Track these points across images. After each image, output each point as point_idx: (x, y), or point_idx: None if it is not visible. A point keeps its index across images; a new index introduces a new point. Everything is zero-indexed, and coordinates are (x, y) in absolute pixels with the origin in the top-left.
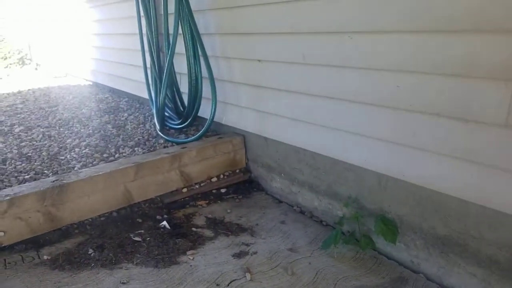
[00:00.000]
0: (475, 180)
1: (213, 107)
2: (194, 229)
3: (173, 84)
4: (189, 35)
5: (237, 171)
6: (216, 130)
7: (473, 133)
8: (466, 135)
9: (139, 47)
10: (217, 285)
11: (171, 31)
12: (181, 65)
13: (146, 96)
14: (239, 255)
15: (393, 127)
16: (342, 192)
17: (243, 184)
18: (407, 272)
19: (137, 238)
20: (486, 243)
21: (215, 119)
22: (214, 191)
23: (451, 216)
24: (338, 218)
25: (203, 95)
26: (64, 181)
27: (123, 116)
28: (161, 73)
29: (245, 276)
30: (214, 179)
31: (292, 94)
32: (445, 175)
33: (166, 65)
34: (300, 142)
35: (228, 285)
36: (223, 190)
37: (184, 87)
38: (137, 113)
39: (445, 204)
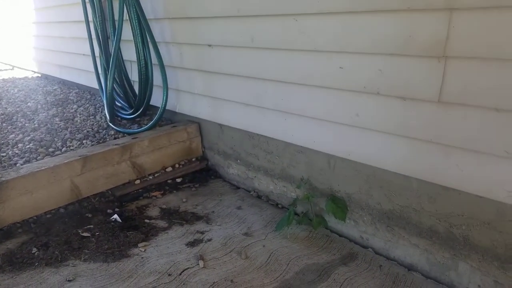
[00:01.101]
0: (414, 155)
1: (165, 95)
2: (147, 220)
3: (121, 72)
4: (136, 21)
5: (193, 159)
6: (170, 119)
7: (410, 110)
8: (404, 112)
9: (87, 35)
10: (169, 275)
11: (116, 16)
12: (130, 53)
13: (97, 86)
14: (193, 244)
15: (338, 108)
16: (295, 175)
17: (200, 173)
18: (357, 248)
19: (85, 234)
20: (427, 215)
21: (168, 108)
22: (169, 181)
23: (394, 192)
24: (292, 200)
25: (154, 83)
26: (3, 179)
27: (72, 108)
28: (108, 61)
29: (198, 264)
30: (169, 169)
31: (243, 79)
32: (387, 152)
33: (113, 52)
34: (254, 127)
35: (180, 274)
36: (178, 180)
37: (135, 76)
38: (88, 105)
39: (389, 180)
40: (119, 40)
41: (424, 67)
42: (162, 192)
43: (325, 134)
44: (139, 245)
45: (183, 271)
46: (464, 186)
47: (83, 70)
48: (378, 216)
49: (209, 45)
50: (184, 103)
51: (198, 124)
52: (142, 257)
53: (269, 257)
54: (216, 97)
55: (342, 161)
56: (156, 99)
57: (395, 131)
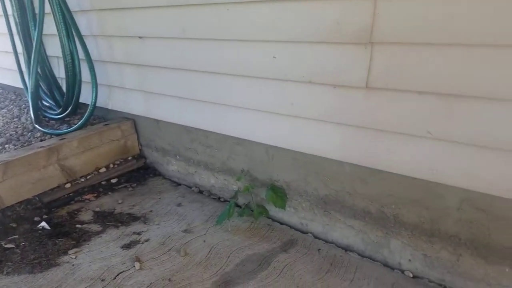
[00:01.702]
0: (346, 141)
1: (94, 91)
2: (79, 225)
3: (45, 69)
4: (60, 13)
5: (130, 158)
6: (104, 117)
7: (341, 97)
8: (336, 100)
9: (7, 30)
10: (102, 280)
11: (37, 10)
12: (55, 48)
13: (22, 86)
14: (129, 246)
15: (273, 98)
16: (236, 167)
17: (138, 172)
18: (297, 234)
19: (9, 245)
20: (360, 198)
21: (101, 105)
22: (103, 182)
23: (329, 177)
24: (234, 192)
25: (83, 79)
26: None
27: None
28: (30, 58)
29: (134, 266)
30: (103, 170)
31: (176, 72)
32: (322, 140)
33: (34, 47)
34: (191, 121)
35: (114, 278)
36: (114, 181)
37: (62, 72)
38: (12, 106)
39: (324, 167)
40: (40, 34)
41: (352, 54)
42: (95, 194)
43: (262, 124)
44: (70, 252)
45: (117, 275)
46: (393, 168)
47: (6, 69)
48: (315, 202)
49: (140, 37)
50: (117, 99)
51: (133, 120)
52: (73, 265)
53: (209, 251)
54: (150, 91)
55: (279, 150)
56: (87, 97)
57: (328, 118)
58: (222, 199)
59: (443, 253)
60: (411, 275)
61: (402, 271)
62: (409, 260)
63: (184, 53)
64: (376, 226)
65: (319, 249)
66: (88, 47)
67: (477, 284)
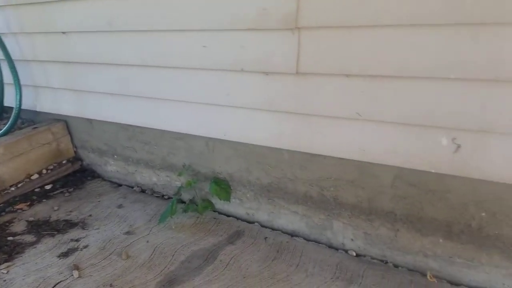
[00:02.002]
0: (282, 128)
1: (18, 93)
2: (10, 238)
3: None
4: None
5: (64, 162)
6: (33, 120)
7: (273, 84)
8: (269, 87)
9: None
10: None
11: None
12: None
13: None
14: (66, 254)
15: (208, 89)
16: (177, 162)
17: (74, 175)
18: (244, 225)
19: None
20: (300, 182)
21: (28, 107)
22: (37, 189)
23: (270, 165)
24: (177, 189)
25: (5, 81)
26: None
27: None
28: None
29: (72, 275)
30: (35, 176)
31: (105, 67)
32: (259, 128)
33: None
34: (126, 118)
35: None
36: (48, 187)
37: None
38: None
39: (264, 155)
40: None
41: (281, 40)
42: (28, 203)
43: (199, 117)
44: (1, 267)
45: (54, 286)
46: (328, 151)
47: None
48: (259, 191)
49: (64, 33)
50: (45, 100)
51: (64, 122)
52: (5, 280)
53: (153, 252)
54: (80, 89)
55: (220, 142)
56: (12, 100)
57: (262, 106)
58: (166, 197)
59: (382, 230)
60: (354, 254)
61: (346, 251)
62: (352, 239)
63: (112, 47)
64: (318, 210)
65: (266, 237)
66: (8, 46)
67: (415, 256)
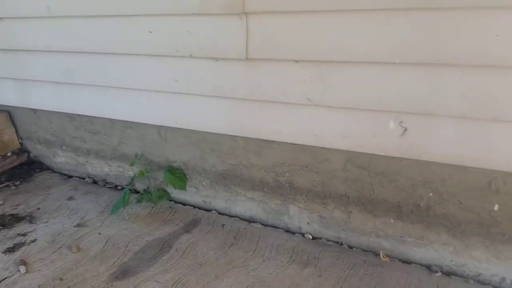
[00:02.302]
0: (234, 114)
1: None
2: None
3: None
4: None
5: (9, 154)
6: None
7: (224, 70)
8: (219, 73)
9: None
10: None
11: None
12: None
13: None
14: (12, 249)
15: (156, 75)
16: (129, 152)
17: (21, 168)
18: (201, 213)
19: None
20: (256, 169)
21: None
22: None
23: (225, 152)
24: (130, 179)
25: None
26: None
27: None
28: None
29: (19, 270)
30: None
31: (48, 55)
32: (211, 115)
33: None
34: (72, 108)
35: None
36: None
37: None
38: None
39: (218, 142)
40: None
41: (229, 25)
42: None
43: (149, 104)
44: None
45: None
46: (281, 137)
47: None
48: (215, 179)
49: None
50: None
51: (7, 112)
52: None
53: (105, 243)
54: (22, 78)
55: (172, 130)
56: None
57: (213, 93)
58: (119, 187)
59: (336, 213)
60: (311, 237)
61: (303, 235)
62: (308, 223)
63: (53, 33)
64: (275, 195)
65: (223, 224)
66: None
67: (368, 237)
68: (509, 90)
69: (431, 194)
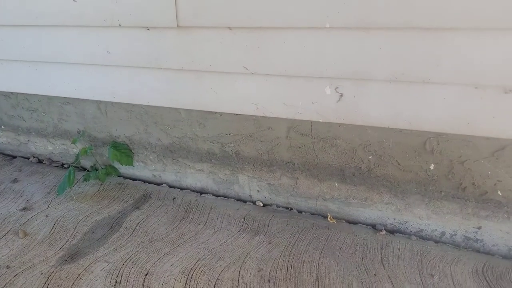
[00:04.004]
0: (173, 86)
1: None
2: None
3: None
4: None
5: None
6: None
7: (156, 40)
8: (152, 43)
9: None
10: None
11: None
12: None
13: None
14: None
15: (87, 48)
16: (71, 129)
17: None
18: (152, 187)
19: None
20: (202, 141)
21: None
22: None
23: (169, 125)
24: (75, 157)
25: None
26: None
27: None
28: None
29: None
30: None
31: None
32: (149, 88)
33: None
34: (4, 85)
35: None
36: None
37: None
38: None
39: (161, 115)
40: None
41: None
42: None
43: (83, 79)
44: None
45: None
46: (222, 108)
47: None
48: (162, 152)
49: None
50: None
51: None
52: None
53: (53, 226)
54: None
55: (111, 105)
56: None
57: (149, 64)
58: (66, 165)
59: (283, 179)
60: (262, 204)
61: (254, 202)
62: (258, 191)
63: None
64: (223, 165)
65: (174, 198)
66: None
67: (315, 201)
68: (437, 51)
69: (370, 157)
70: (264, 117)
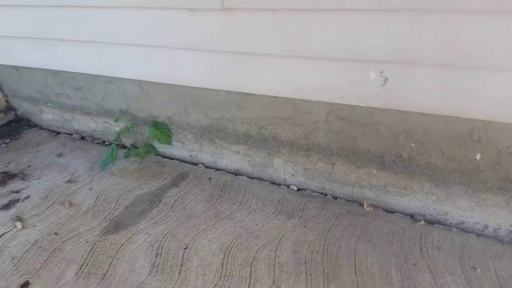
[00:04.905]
0: (215, 68)
1: None
2: None
3: None
4: None
5: None
6: None
7: (200, 21)
8: (196, 24)
9: None
10: None
11: None
12: None
13: None
14: (7, 206)
15: (133, 28)
16: (113, 107)
17: (9, 125)
18: (188, 167)
19: None
20: (239, 122)
21: None
22: None
23: (208, 106)
24: (117, 134)
25: None
26: None
27: None
28: None
29: (16, 226)
30: None
31: (26, 9)
32: (191, 69)
33: None
34: (53, 64)
35: None
36: None
37: None
38: None
39: (201, 96)
40: None
41: None
42: None
43: (128, 59)
44: None
45: None
46: (262, 90)
47: None
48: (200, 133)
49: None
50: None
51: None
52: None
53: (96, 199)
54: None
55: (153, 85)
56: None
57: (192, 45)
58: (107, 143)
59: (319, 164)
60: (296, 188)
61: (288, 186)
62: (292, 175)
63: None
64: (259, 148)
65: (210, 177)
66: None
67: (351, 187)
68: (486, 37)
69: (413, 144)
70: (302, 100)
